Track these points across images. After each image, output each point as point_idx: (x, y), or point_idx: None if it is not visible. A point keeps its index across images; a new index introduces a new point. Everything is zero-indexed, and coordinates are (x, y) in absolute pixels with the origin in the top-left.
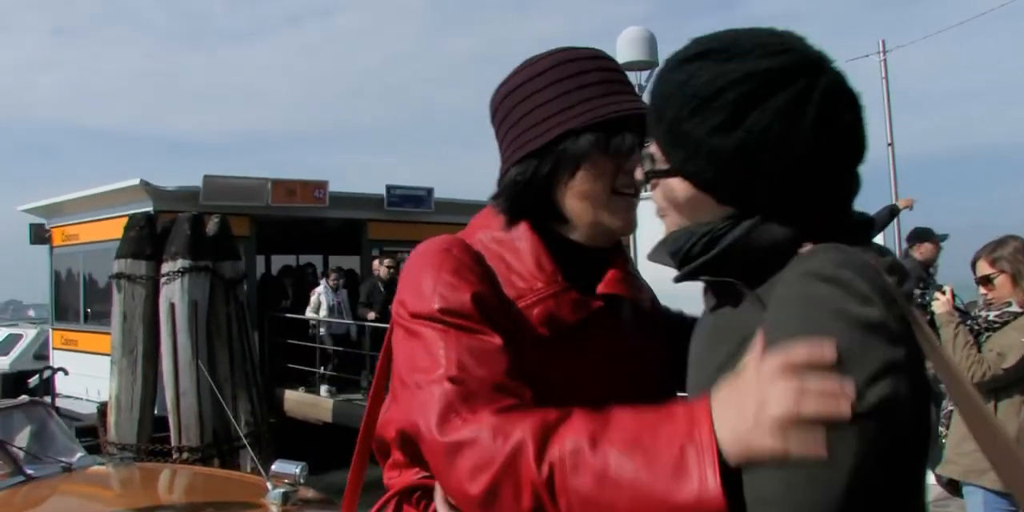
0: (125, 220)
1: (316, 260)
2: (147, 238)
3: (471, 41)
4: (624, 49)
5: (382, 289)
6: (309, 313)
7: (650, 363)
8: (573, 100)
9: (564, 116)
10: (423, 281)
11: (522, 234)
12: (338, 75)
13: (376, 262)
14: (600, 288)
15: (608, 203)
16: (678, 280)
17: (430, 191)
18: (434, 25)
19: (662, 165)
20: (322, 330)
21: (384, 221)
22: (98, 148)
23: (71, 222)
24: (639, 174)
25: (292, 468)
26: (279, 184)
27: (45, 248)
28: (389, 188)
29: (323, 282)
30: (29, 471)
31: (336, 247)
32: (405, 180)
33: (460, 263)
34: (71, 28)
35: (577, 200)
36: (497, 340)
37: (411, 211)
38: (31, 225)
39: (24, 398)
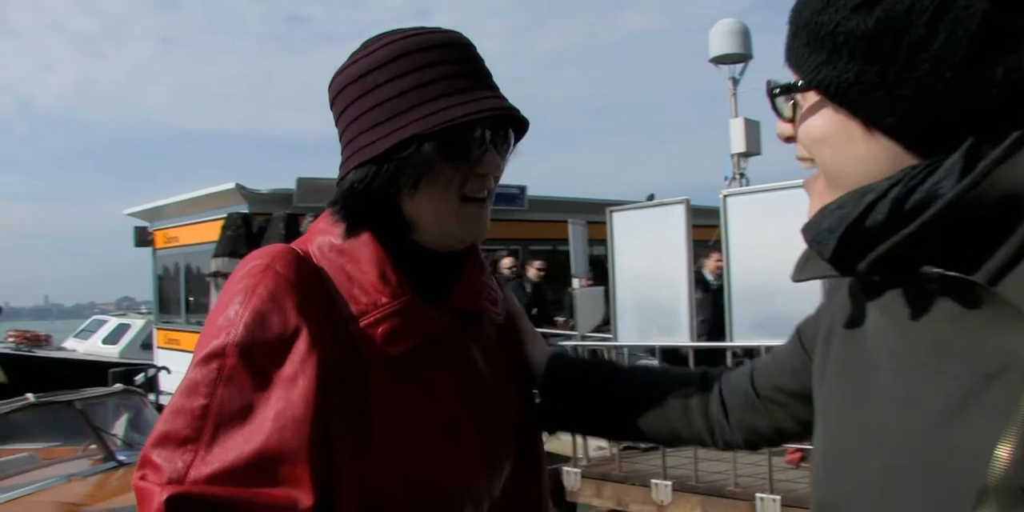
0: (222, 222)
1: None
2: (243, 237)
3: (563, 39)
4: (717, 42)
5: (528, 290)
6: None
7: (505, 380)
8: (416, 100)
9: (406, 118)
10: (230, 306)
11: (364, 241)
12: None
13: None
14: (451, 302)
15: (457, 212)
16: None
17: (523, 189)
18: (523, 24)
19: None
20: None
21: None
22: (200, 151)
23: (172, 225)
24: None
25: None
26: None
27: (149, 250)
28: None
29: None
30: (121, 457)
31: None
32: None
33: (283, 283)
34: (177, 37)
35: (423, 209)
36: (278, 397)
37: (504, 209)
38: (135, 228)
39: (118, 386)
